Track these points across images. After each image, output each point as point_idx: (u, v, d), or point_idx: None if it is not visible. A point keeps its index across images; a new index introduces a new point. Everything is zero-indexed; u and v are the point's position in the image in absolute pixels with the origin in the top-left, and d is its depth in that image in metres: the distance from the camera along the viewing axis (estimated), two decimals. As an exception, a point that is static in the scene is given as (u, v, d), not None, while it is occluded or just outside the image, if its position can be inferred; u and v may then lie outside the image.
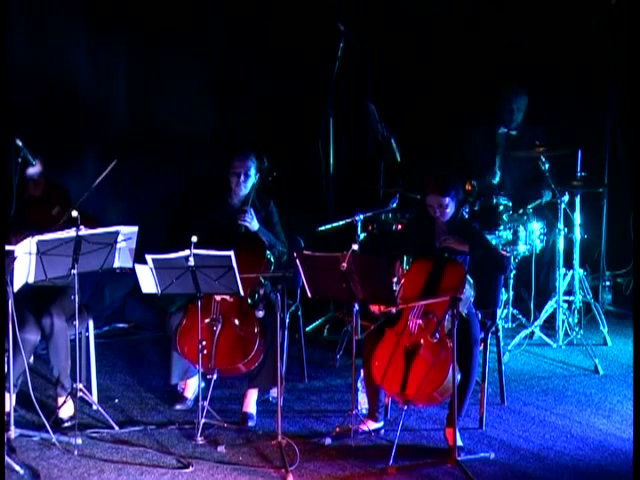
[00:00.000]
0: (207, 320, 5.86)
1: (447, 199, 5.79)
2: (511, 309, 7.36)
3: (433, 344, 5.54)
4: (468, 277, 5.65)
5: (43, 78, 7.17)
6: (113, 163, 5.84)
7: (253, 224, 6.09)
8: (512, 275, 7.26)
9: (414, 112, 8.08)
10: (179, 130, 7.66)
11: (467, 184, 5.91)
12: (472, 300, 5.73)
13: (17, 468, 5.26)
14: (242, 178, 6.11)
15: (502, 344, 6.39)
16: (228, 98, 7.86)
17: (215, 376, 5.80)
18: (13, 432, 5.53)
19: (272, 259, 6.09)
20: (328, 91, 7.55)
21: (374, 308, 5.81)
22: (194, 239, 5.53)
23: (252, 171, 6.13)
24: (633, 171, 6.14)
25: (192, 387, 6.08)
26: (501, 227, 7.17)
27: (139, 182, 7.63)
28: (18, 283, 5.49)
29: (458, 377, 5.42)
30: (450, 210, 5.83)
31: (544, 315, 7.32)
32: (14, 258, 5.40)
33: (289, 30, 7.85)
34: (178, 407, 6.06)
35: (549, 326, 7.35)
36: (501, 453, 5.57)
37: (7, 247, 5.52)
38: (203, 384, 5.88)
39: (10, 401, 5.66)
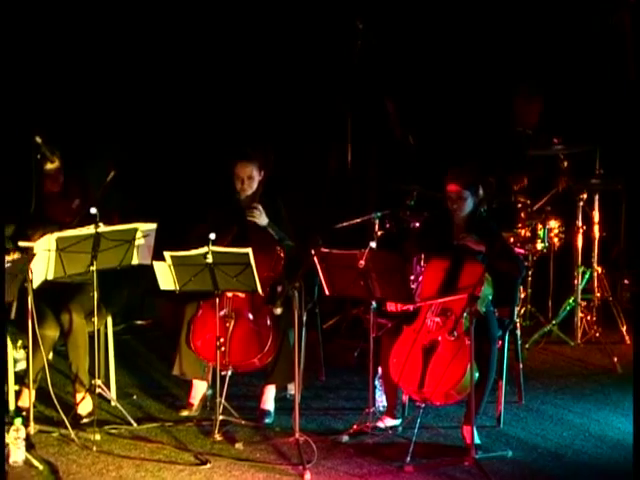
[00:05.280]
0: (220, 315, 5.85)
1: (466, 192, 5.77)
2: (529, 307, 7.34)
3: (451, 342, 5.53)
4: (486, 275, 5.63)
5: (64, 73, 7.21)
6: (111, 175, 5.86)
7: (262, 219, 6.07)
8: (530, 273, 7.24)
9: (432, 109, 8.06)
10: (195, 127, 7.68)
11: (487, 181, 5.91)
12: (490, 298, 5.72)
13: (36, 464, 5.29)
14: (245, 183, 6.11)
15: (520, 342, 6.37)
16: (245, 96, 7.87)
17: (230, 372, 5.80)
18: (32, 428, 5.57)
19: (282, 254, 6.07)
20: (346, 88, 7.54)
21: (391, 307, 5.80)
22: (212, 236, 5.54)
23: (254, 173, 6.12)
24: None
25: (198, 394, 6.02)
26: (519, 225, 7.15)
27: (157, 178, 7.65)
28: (37, 280, 5.52)
29: (476, 375, 5.41)
30: (467, 205, 5.80)
31: (562, 313, 7.29)
32: (33, 255, 5.43)
33: (308, 27, 7.85)
34: (185, 413, 5.98)
35: (567, 324, 7.33)
36: (519, 451, 5.56)
37: (26, 244, 5.56)
38: (210, 392, 5.89)
39: (30, 397, 5.69)
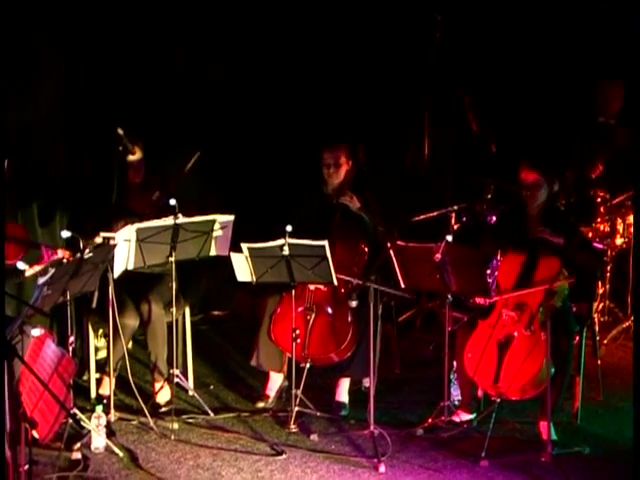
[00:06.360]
0: (301, 309, 5.91)
1: (541, 179, 5.70)
2: (607, 303, 7.24)
3: (526, 337, 5.50)
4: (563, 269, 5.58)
5: (145, 67, 7.31)
6: (196, 155, 5.94)
7: (354, 202, 6.08)
8: (609, 268, 7.14)
9: (510, 103, 7.99)
10: (274, 120, 7.72)
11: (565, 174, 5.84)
12: (566, 292, 5.66)
13: (117, 450, 5.41)
14: (332, 169, 6.12)
15: (598, 338, 6.30)
16: (321, 89, 7.88)
17: (308, 365, 5.85)
18: (113, 415, 5.69)
19: (366, 249, 6.07)
20: (424, 82, 7.51)
21: (479, 300, 5.77)
22: (288, 228, 5.58)
23: (342, 160, 6.12)
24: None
25: (275, 385, 6.07)
26: (598, 219, 7.05)
27: (236, 171, 7.72)
28: (118, 270, 5.63)
29: (552, 370, 5.37)
30: (541, 195, 5.73)
31: (642, 309, 7.18)
32: (114, 245, 5.53)
33: (386, 21, 7.83)
34: (261, 405, 6.03)
35: (647, 320, 7.21)
36: (596, 448, 5.51)
37: (107, 234, 5.67)
38: (286, 383, 5.93)
39: (110, 385, 5.82)
